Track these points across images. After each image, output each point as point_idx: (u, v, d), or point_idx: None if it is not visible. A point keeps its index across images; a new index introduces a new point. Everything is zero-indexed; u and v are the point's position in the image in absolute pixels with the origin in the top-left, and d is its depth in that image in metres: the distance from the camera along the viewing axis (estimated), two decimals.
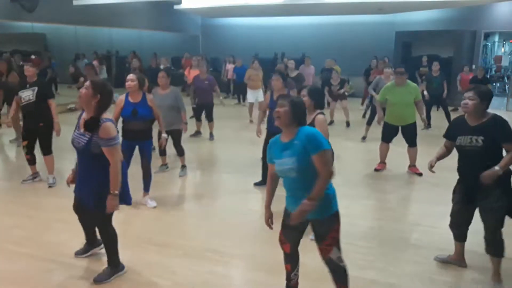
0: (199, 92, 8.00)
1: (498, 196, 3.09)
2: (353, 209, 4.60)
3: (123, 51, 15.26)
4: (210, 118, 8.21)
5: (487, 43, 17.08)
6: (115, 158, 2.99)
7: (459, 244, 3.47)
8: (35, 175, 5.54)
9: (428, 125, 9.27)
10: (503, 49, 18.57)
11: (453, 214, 3.42)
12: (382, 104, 6.04)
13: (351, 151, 7.41)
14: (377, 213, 4.83)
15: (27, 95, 5.11)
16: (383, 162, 6.26)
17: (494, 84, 15.05)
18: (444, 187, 5.39)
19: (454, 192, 3.43)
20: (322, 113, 3.81)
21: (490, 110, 3.20)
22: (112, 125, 3.02)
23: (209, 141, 8.17)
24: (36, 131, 5.28)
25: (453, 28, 13.19)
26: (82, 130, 3.04)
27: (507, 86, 15.37)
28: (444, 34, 13.06)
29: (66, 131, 8.79)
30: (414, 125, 5.95)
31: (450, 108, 9.77)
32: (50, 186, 5.37)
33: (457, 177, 3.42)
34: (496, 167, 2.99)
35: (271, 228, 2.81)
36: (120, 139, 3.23)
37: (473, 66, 13.55)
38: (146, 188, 4.80)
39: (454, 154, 3.45)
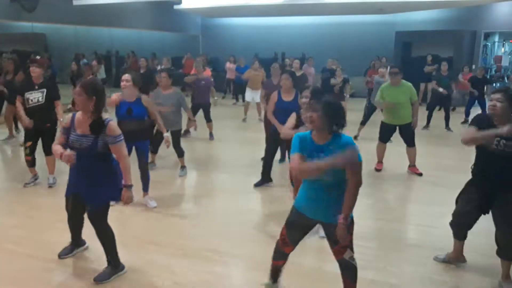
0: (195, 92, 8.00)
1: None
2: (353, 209, 4.58)
3: (123, 51, 15.28)
4: (208, 119, 8.21)
5: (487, 43, 17.08)
6: (124, 153, 3.17)
7: (459, 242, 3.46)
8: (36, 177, 5.51)
9: (426, 125, 9.28)
10: (503, 49, 18.57)
11: (459, 215, 3.36)
12: (380, 104, 6.05)
13: None
14: (377, 213, 4.83)
15: (36, 97, 5.07)
16: (381, 162, 6.28)
17: (494, 84, 15.03)
18: (444, 187, 5.42)
19: (464, 193, 3.33)
20: None
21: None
22: (115, 123, 3.18)
23: (208, 141, 8.16)
24: (41, 132, 5.26)
25: (453, 28, 13.20)
26: (79, 131, 3.09)
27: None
28: (444, 34, 13.07)
29: None
30: (410, 125, 5.95)
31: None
32: (50, 186, 5.37)
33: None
34: None
35: None
36: None
37: (473, 66, 13.56)
38: (145, 188, 4.81)
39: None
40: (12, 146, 7.54)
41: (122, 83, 4.58)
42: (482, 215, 3.25)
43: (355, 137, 8.15)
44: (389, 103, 5.83)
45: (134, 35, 15.78)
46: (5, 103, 7.74)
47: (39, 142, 5.34)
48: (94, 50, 14.04)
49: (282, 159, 6.37)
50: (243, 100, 12.66)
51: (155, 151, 6.05)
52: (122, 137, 3.16)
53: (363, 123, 8.19)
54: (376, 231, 4.33)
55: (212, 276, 3.39)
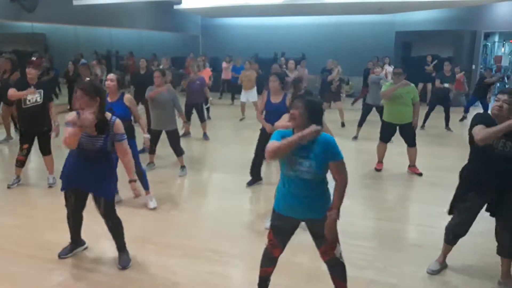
0: (189, 92, 8.00)
1: None
2: (353, 209, 4.60)
3: (123, 51, 15.27)
4: (202, 119, 8.21)
5: (487, 43, 17.08)
6: (128, 150, 3.36)
7: (450, 246, 3.43)
8: (19, 178, 5.46)
9: (422, 125, 9.26)
10: (503, 49, 18.57)
11: (459, 225, 3.28)
12: (386, 94, 5.87)
13: (348, 151, 7.39)
14: (377, 213, 4.83)
15: (34, 97, 5.07)
16: (381, 162, 6.28)
17: (494, 84, 15.03)
18: (444, 187, 5.41)
19: (460, 201, 3.26)
20: None
21: (490, 110, 3.19)
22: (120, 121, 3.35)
23: (207, 141, 8.15)
24: (39, 133, 5.26)
25: (453, 28, 13.19)
26: (87, 131, 3.14)
27: (507, 86, 15.37)
28: (444, 34, 13.06)
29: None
30: (411, 125, 5.96)
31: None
32: (50, 186, 5.37)
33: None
34: None
35: None
36: None
37: (473, 66, 13.55)
38: (146, 187, 4.79)
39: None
40: (11, 146, 7.53)
41: (107, 82, 4.63)
42: (480, 216, 3.24)
43: (355, 138, 8.17)
44: (393, 87, 5.76)
45: (134, 35, 15.77)
46: (1, 104, 7.71)
47: (37, 143, 5.35)
48: (94, 50, 14.03)
49: None
50: (232, 99, 12.74)
51: (152, 152, 6.05)
52: (126, 135, 3.34)
53: (360, 124, 8.21)
54: (376, 231, 4.33)
55: (212, 276, 3.39)
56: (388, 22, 14.31)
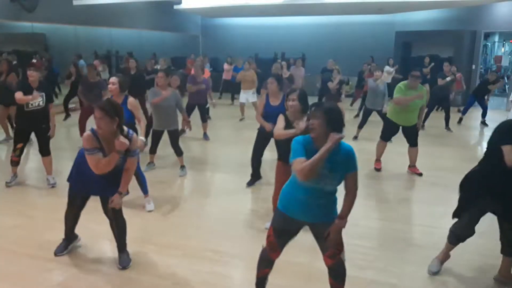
0: (192, 93, 7.99)
1: None
2: (353, 209, 4.54)
3: (123, 51, 15.26)
4: (204, 119, 8.21)
5: (487, 43, 17.07)
6: (135, 166, 3.40)
7: (452, 246, 3.41)
8: (16, 175, 5.51)
9: (422, 126, 9.25)
10: (503, 49, 18.56)
11: (465, 227, 3.24)
12: (401, 100, 5.80)
13: None
14: (377, 213, 4.83)
15: (37, 101, 5.10)
16: (379, 160, 6.29)
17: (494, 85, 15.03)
18: (444, 187, 5.43)
19: (474, 205, 3.19)
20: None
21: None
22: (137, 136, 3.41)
23: (207, 141, 8.15)
24: (36, 130, 5.28)
25: (453, 28, 13.19)
26: (107, 150, 3.17)
27: (507, 86, 15.37)
28: (444, 34, 13.06)
29: (65, 131, 8.84)
30: (415, 126, 5.98)
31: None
32: (52, 186, 5.37)
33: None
34: None
35: None
36: None
37: (473, 66, 13.55)
38: (145, 191, 4.77)
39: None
40: (10, 146, 7.52)
41: (109, 86, 4.61)
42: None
43: (355, 138, 8.17)
44: (410, 97, 5.72)
45: (134, 35, 15.76)
46: None
47: (36, 145, 5.36)
48: (94, 50, 14.02)
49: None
50: (232, 99, 12.73)
51: (153, 152, 6.05)
52: (138, 149, 3.43)
53: (360, 125, 8.20)
54: (376, 231, 4.33)
55: (212, 276, 3.39)
56: (388, 22, 14.32)
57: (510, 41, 18.14)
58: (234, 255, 3.75)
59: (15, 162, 5.38)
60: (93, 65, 7.97)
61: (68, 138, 8.46)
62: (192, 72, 8.85)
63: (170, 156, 6.38)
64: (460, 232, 3.28)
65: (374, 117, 7.94)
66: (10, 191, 5.31)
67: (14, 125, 7.90)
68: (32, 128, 5.28)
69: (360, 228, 4.24)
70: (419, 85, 5.89)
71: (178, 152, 5.95)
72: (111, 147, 3.14)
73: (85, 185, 3.37)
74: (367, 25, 14.74)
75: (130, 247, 3.57)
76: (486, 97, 10.00)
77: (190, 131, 6.04)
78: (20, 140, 5.30)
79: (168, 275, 3.39)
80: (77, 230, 3.73)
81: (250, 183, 5.55)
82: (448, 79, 9.16)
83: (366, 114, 8.15)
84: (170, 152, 6.14)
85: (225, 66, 13.50)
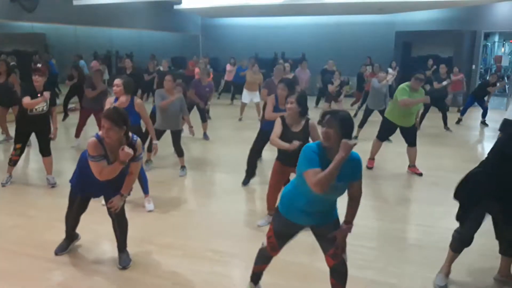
0: (196, 95, 7.97)
1: None
2: None
3: (123, 51, 15.25)
4: (204, 119, 8.21)
5: (487, 43, 17.06)
6: (138, 170, 3.39)
7: (457, 254, 3.30)
8: (11, 176, 5.50)
9: (418, 126, 9.26)
10: (503, 49, 18.56)
11: (469, 231, 3.17)
12: (412, 101, 5.81)
13: None
14: (377, 213, 4.83)
15: (41, 106, 5.11)
16: (373, 159, 6.30)
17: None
18: (444, 187, 5.42)
19: (478, 208, 3.13)
20: (309, 118, 3.92)
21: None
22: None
23: (207, 141, 8.15)
24: (36, 131, 5.28)
25: (453, 28, 13.19)
26: (111, 158, 3.15)
27: (507, 86, 15.36)
28: (444, 34, 13.05)
29: (65, 132, 8.84)
30: (413, 126, 5.99)
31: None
32: (52, 186, 5.37)
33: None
34: None
35: None
36: None
37: (473, 66, 13.55)
38: (145, 190, 4.78)
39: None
40: (10, 146, 7.51)
41: (113, 88, 4.59)
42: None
43: (355, 138, 8.18)
44: (417, 99, 5.80)
45: (134, 35, 15.75)
46: None
47: (35, 145, 5.36)
48: (94, 50, 14.02)
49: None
50: (232, 99, 12.70)
51: (150, 149, 6.05)
52: (142, 154, 3.44)
53: (361, 125, 8.21)
54: (376, 231, 4.33)
55: (212, 276, 3.39)
56: (388, 22, 14.31)
57: (510, 41, 18.14)
58: (234, 255, 3.75)
59: (14, 161, 5.38)
60: (100, 70, 7.94)
61: (68, 138, 8.46)
62: (197, 76, 8.82)
63: (171, 156, 6.38)
64: (467, 236, 3.18)
65: (374, 117, 7.94)
66: (10, 191, 5.31)
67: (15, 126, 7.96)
68: (33, 130, 5.30)
69: (359, 228, 4.20)
70: (421, 88, 5.95)
71: (180, 153, 5.95)
72: (116, 155, 3.11)
73: (87, 189, 3.37)
74: (367, 25, 14.73)
75: (130, 247, 3.57)
76: (485, 98, 10.01)
77: (193, 136, 6.07)
78: (20, 139, 5.31)
79: (168, 275, 3.39)
80: (77, 230, 3.73)
81: (246, 182, 5.54)
82: (444, 83, 9.17)
83: (367, 114, 8.15)
84: (171, 152, 6.14)
85: (228, 67, 13.37)
